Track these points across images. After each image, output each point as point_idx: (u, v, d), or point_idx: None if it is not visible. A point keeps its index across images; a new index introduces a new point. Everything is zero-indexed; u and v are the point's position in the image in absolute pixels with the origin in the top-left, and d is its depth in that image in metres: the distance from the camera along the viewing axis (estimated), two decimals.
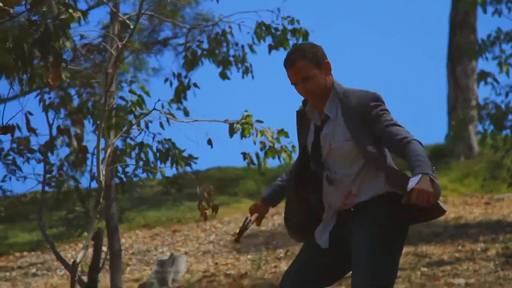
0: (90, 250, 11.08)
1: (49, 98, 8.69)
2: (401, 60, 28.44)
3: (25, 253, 12.99)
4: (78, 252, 9.04)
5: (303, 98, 4.15)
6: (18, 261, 12.50)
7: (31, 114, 7.42)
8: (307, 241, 4.21)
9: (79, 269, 6.20)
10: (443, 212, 3.96)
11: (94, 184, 9.55)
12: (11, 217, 14.87)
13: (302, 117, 4.19)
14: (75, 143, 9.03)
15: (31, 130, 7.61)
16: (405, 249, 10.63)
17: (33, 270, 11.81)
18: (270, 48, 8.37)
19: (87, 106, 8.67)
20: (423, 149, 3.91)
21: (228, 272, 10.57)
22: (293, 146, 6.97)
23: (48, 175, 8.91)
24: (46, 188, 8.91)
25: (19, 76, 4.83)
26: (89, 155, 9.18)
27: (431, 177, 3.81)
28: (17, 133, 8.46)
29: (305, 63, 4.00)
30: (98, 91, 8.80)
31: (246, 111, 6.65)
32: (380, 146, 4.02)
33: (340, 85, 4.11)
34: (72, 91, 8.83)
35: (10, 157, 8.75)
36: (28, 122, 7.48)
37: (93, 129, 8.72)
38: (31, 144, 8.87)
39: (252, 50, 8.46)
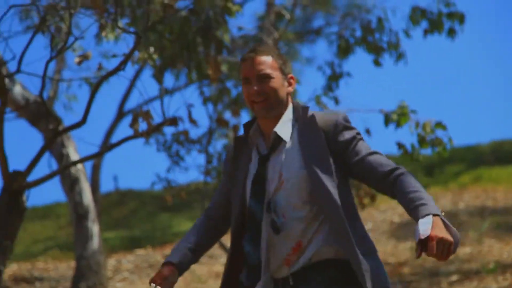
0: None
1: (209, 90, 8.95)
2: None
3: None
4: None
5: (246, 121, 3.22)
6: None
7: (192, 106, 7.67)
8: None
9: None
10: None
11: None
12: (176, 206, 15.38)
13: (241, 144, 3.21)
14: (232, 134, 9.25)
15: (193, 121, 7.86)
16: None
17: None
18: (426, 32, 8.29)
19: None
20: (420, 184, 2.99)
21: (387, 260, 10.54)
22: (449, 139, 6.98)
23: (208, 166, 9.18)
24: (207, 178, 9.19)
25: (186, 65, 5.04)
26: None
27: (443, 219, 2.89)
28: (180, 125, 8.77)
29: (270, 59, 3.15)
30: None
31: (402, 101, 6.71)
32: (344, 188, 3.05)
33: (301, 106, 3.19)
34: (230, 83, 9.05)
35: (174, 149, 9.07)
36: (190, 114, 7.73)
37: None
38: (192, 135, 9.17)
39: (408, 35, 8.39)
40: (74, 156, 10.21)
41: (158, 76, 5.51)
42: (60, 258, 12.70)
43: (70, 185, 10.35)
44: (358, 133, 3.10)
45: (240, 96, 8.85)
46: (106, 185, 29.16)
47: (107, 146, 11.54)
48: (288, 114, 3.14)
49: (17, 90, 9.93)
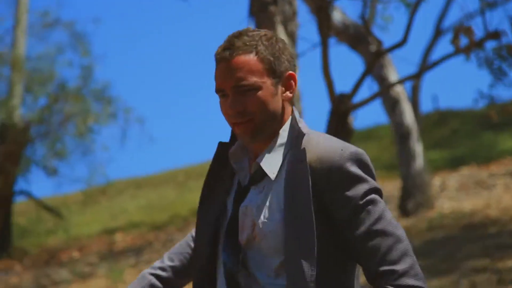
0: None
1: None
2: None
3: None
4: None
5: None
6: (504, 168, 12.62)
7: None
8: None
9: None
10: None
11: None
12: (500, 123, 15.01)
13: (222, 160, 2.31)
14: None
15: None
16: None
17: None
18: None
19: None
20: None
21: None
22: None
23: None
24: None
25: None
26: None
27: None
28: (502, 39, 8.50)
29: (253, 59, 2.17)
30: None
31: None
32: (335, 253, 2.16)
33: (301, 124, 2.22)
34: None
35: (496, 64, 8.84)
36: None
37: None
38: None
39: None
40: (393, 77, 10.32)
41: None
42: (386, 178, 13.01)
43: (391, 106, 10.50)
44: (369, 190, 2.12)
45: None
46: (426, 105, 29.09)
47: (426, 65, 11.52)
48: (282, 137, 2.21)
49: (336, 15, 10.21)
